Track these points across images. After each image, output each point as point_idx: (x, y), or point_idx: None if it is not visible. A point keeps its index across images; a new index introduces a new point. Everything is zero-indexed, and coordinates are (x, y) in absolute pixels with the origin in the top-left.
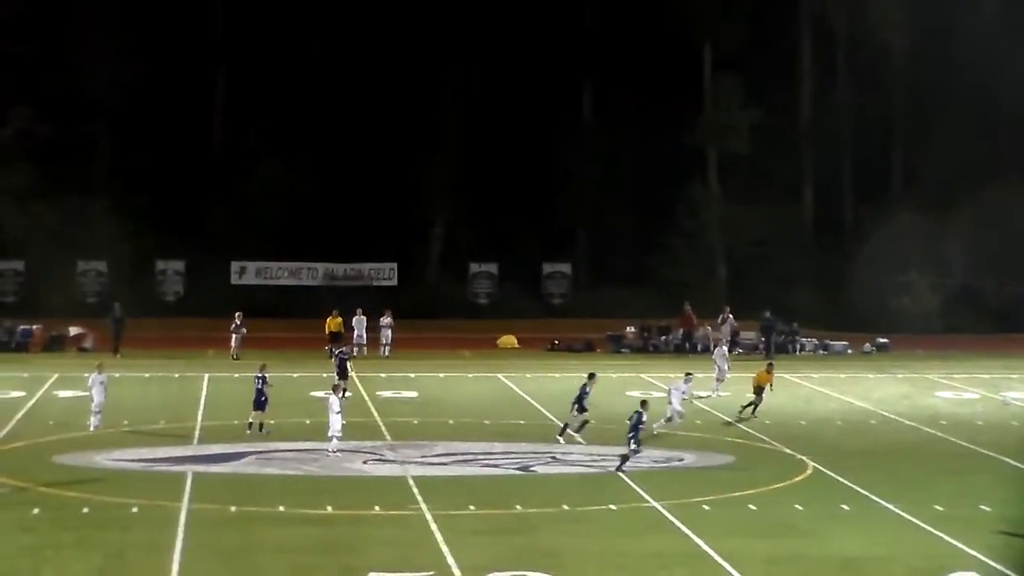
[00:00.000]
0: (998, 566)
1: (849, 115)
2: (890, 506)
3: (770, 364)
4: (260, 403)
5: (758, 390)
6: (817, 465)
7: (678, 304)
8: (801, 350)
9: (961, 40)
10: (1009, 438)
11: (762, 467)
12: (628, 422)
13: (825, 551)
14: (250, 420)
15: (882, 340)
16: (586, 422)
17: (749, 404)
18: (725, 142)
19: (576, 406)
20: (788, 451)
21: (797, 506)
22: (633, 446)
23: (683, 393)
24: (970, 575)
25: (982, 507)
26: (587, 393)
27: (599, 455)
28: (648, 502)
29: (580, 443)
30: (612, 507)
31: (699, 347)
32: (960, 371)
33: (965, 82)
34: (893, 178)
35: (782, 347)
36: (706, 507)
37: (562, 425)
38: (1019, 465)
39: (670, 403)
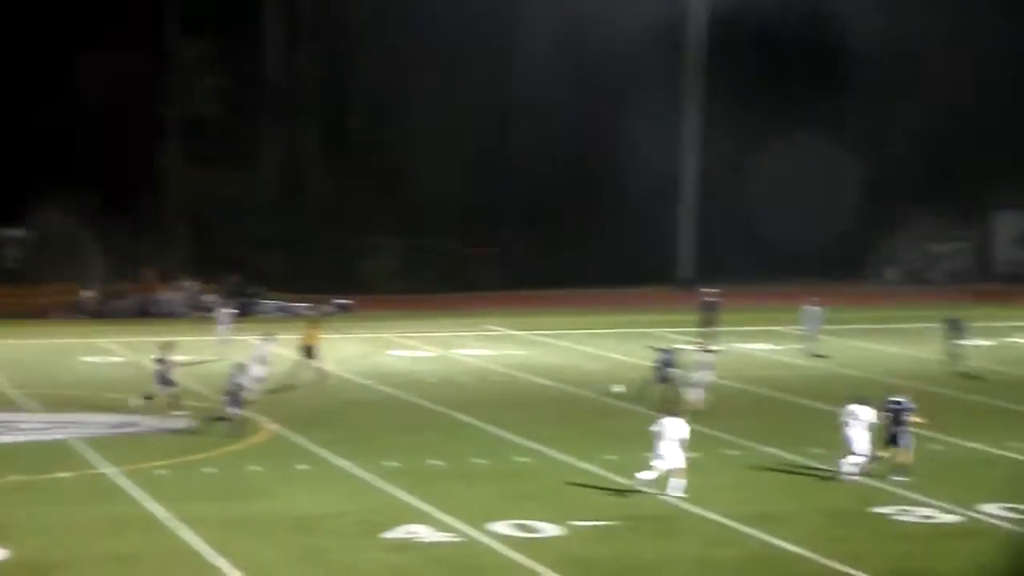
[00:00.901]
0: (447, 517)
1: (315, 81)
2: (345, 464)
3: (314, 321)
4: None
5: (307, 350)
6: (275, 426)
7: (139, 268)
8: (263, 312)
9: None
10: (456, 394)
11: (216, 429)
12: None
13: (280, 510)
14: None
15: (343, 301)
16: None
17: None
18: (190, 106)
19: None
20: (247, 413)
21: (254, 468)
22: (233, 409)
23: (263, 358)
24: (419, 527)
25: (431, 461)
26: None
27: (53, 423)
28: (101, 469)
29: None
30: (64, 475)
31: (163, 312)
32: (416, 330)
33: (439, 46)
34: (354, 143)
35: (245, 309)
36: (161, 472)
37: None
38: (468, 419)
39: (249, 369)
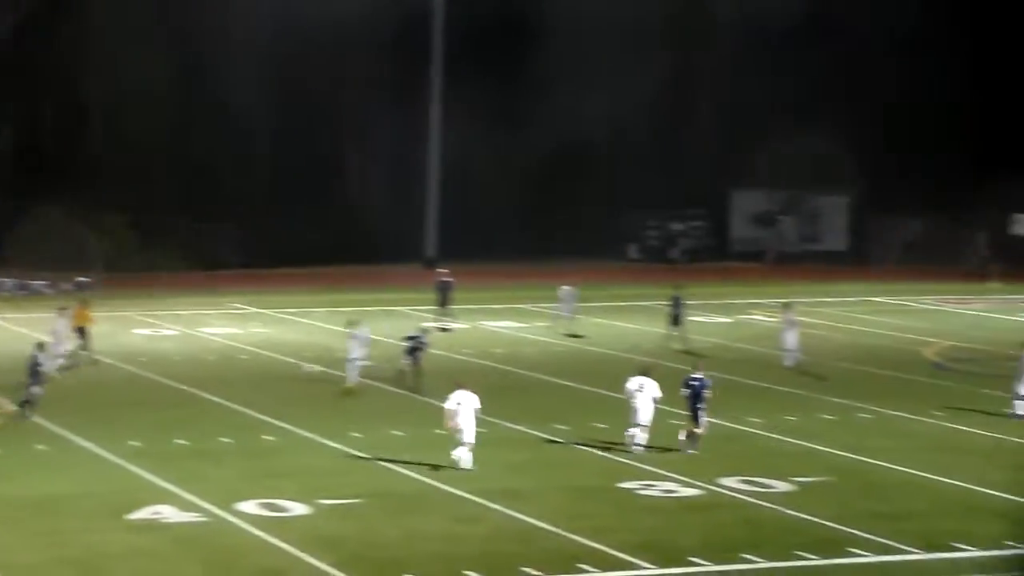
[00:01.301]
0: (193, 497)
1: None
2: (87, 444)
3: (84, 301)
4: None
5: (80, 331)
6: (13, 407)
7: None
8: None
9: None
10: (201, 372)
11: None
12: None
13: (20, 493)
14: None
15: (83, 279)
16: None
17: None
18: None
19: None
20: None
21: None
22: (36, 388)
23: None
24: (164, 507)
25: (177, 441)
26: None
27: None
28: None
29: None
30: None
31: None
32: (159, 308)
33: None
34: (92, 111)
35: None
36: None
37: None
38: (214, 398)
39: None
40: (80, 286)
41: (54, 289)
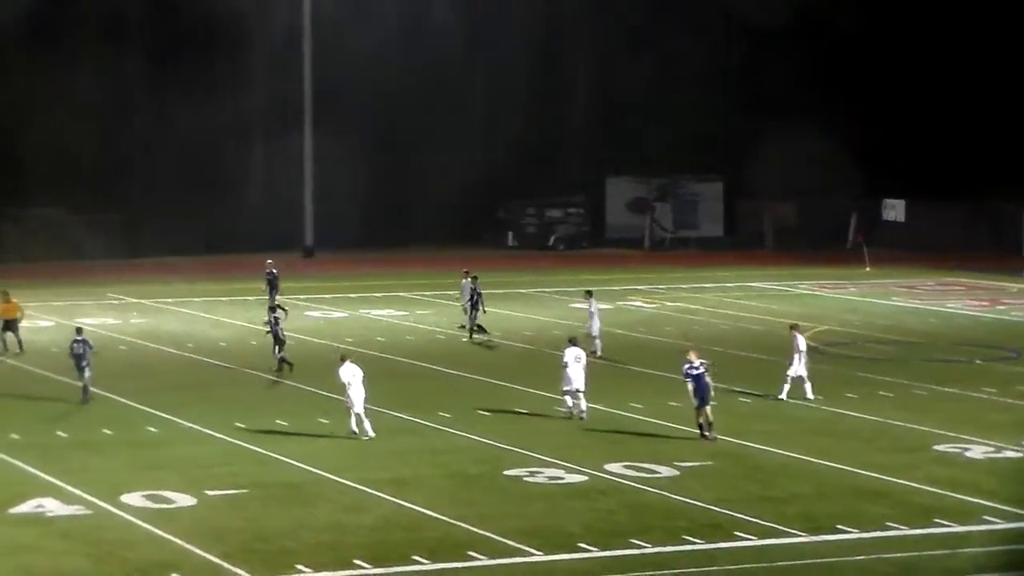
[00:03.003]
0: (76, 490)
1: None
2: None
3: (5, 294)
4: None
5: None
6: None
7: None
8: None
9: None
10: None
11: None
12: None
13: None
14: None
15: None
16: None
17: None
18: None
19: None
20: None
21: None
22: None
23: None
24: (47, 500)
25: (58, 433)
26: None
27: None
28: None
29: None
30: None
31: None
32: (34, 299)
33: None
34: None
35: None
36: None
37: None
38: (94, 390)
39: None
40: None
41: None
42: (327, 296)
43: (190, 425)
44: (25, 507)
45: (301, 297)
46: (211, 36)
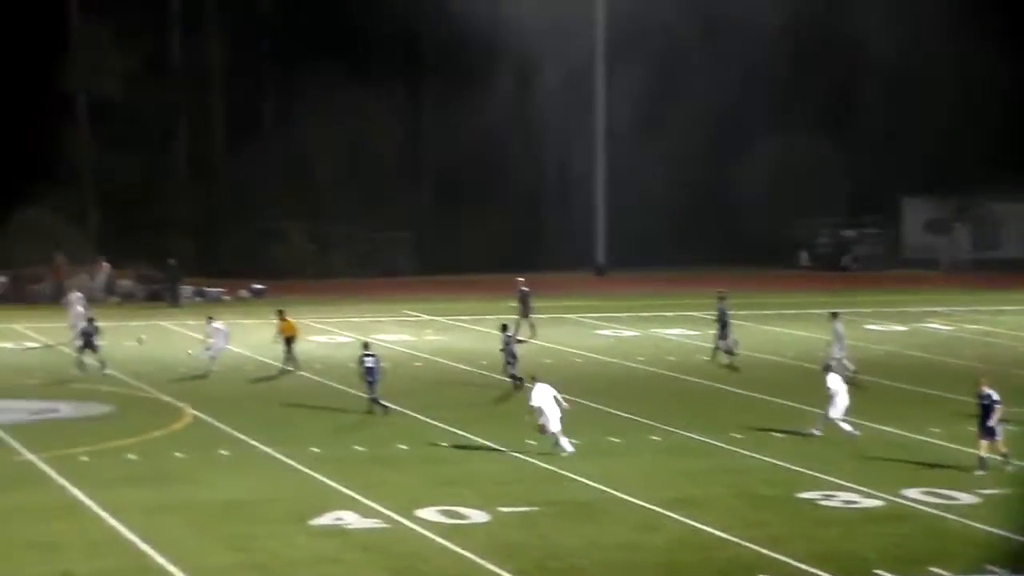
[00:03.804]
0: (374, 504)
1: (221, 61)
2: (268, 449)
3: (281, 312)
4: None
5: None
6: (196, 412)
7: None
8: (180, 298)
9: None
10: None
11: (141, 416)
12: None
13: (205, 497)
14: None
15: (258, 286)
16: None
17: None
18: (96, 86)
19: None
20: (167, 399)
21: (177, 454)
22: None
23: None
24: (346, 513)
25: (355, 447)
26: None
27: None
28: (23, 455)
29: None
30: None
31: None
32: (333, 315)
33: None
34: (265, 124)
35: (157, 295)
36: (84, 458)
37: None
38: (391, 405)
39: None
40: (255, 293)
41: (232, 296)
42: (619, 315)
43: (482, 441)
44: (325, 519)
45: (592, 316)
46: (495, 60)
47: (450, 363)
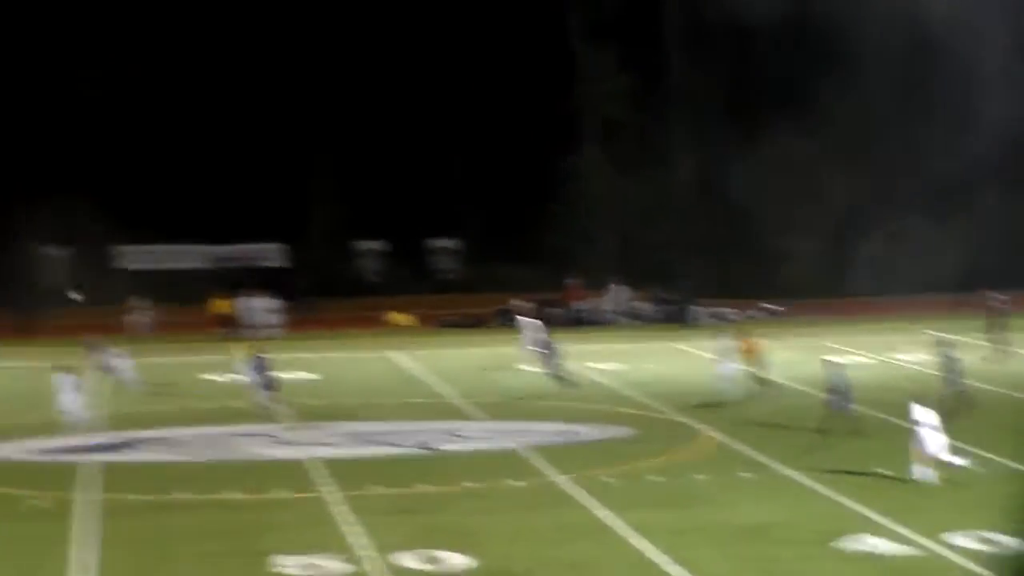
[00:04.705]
0: (901, 529)
1: (721, 77)
2: (789, 472)
3: (745, 330)
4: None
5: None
6: (714, 434)
7: (564, 277)
8: (694, 319)
9: None
10: (898, 399)
11: (659, 438)
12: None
13: (727, 519)
14: None
15: (773, 307)
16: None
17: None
18: (603, 109)
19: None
20: (684, 420)
21: (697, 476)
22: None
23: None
24: (872, 538)
25: (879, 470)
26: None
27: (498, 431)
28: (550, 476)
29: None
30: (514, 483)
31: (595, 320)
32: (851, 335)
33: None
34: (768, 143)
35: (674, 316)
36: (608, 479)
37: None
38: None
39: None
40: (770, 314)
41: (741, 316)
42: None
43: (1011, 464)
44: (849, 543)
45: None
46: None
47: (980, 385)
